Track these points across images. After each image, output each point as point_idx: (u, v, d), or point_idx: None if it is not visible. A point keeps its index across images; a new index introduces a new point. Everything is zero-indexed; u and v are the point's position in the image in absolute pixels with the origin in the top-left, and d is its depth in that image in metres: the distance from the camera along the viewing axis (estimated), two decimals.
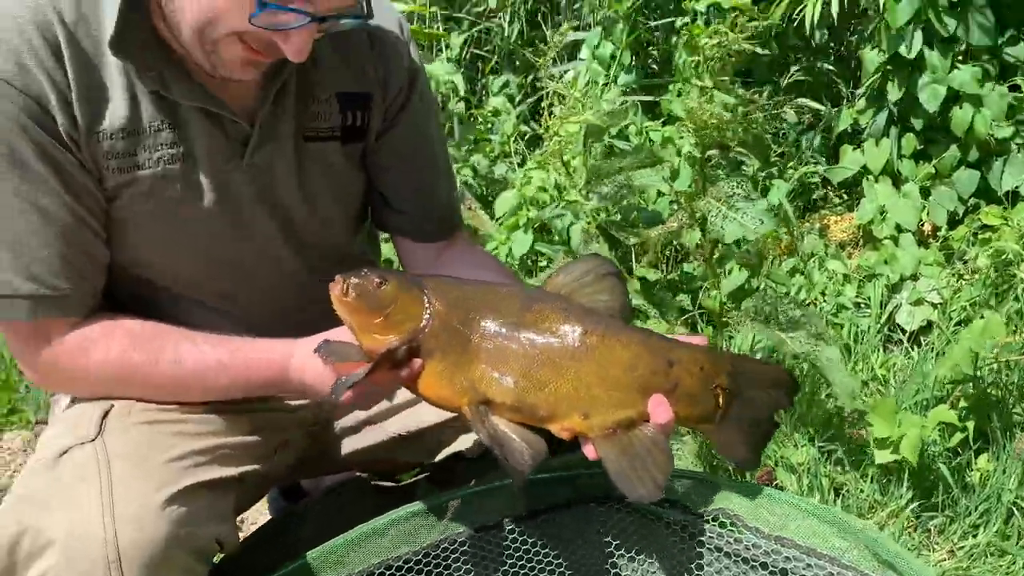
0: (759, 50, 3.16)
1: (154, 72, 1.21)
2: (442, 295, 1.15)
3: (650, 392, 1.13)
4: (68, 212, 1.21)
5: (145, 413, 1.26)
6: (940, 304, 2.69)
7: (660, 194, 2.88)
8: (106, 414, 1.25)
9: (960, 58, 2.97)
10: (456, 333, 1.13)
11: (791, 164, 3.10)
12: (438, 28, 4.14)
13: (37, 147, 1.17)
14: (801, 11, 3.07)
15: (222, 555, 1.25)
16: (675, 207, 2.23)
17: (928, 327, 2.70)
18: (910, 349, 2.64)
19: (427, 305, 1.14)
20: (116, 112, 1.21)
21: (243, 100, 1.28)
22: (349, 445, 1.54)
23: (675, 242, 2.47)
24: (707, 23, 2.94)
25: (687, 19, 2.84)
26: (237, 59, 1.17)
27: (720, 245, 1.97)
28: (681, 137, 2.49)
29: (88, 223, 1.24)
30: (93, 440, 1.20)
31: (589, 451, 1.13)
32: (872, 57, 3.03)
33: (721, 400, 1.17)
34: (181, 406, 1.29)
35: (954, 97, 2.91)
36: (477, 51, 4.29)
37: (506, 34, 4.28)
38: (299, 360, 1.25)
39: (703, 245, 1.93)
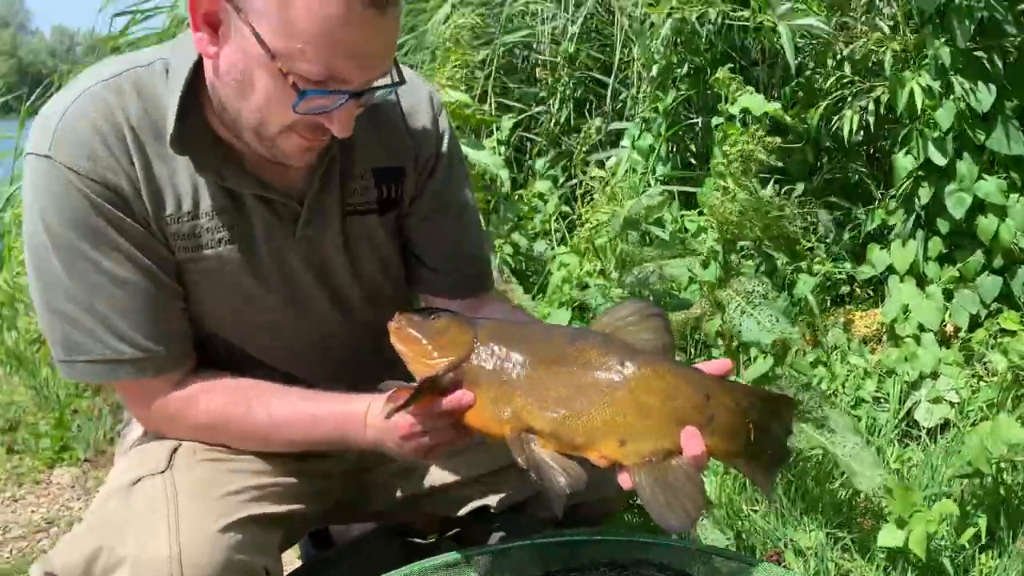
0: (780, 160, 3.32)
1: (211, 165, 1.34)
2: (489, 328, 1.24)
3: (686, 424, 1.16)
4: (151, 281, 1.34)
5: (207, 452, 1.40)
6: (958, 403, 2.76)
7: (692, 280, 3.01)
8: (175, 451, 1.39)
9: (988, 167, 3.09)
10: (501, 364, 1.20)
11: (818, 260, 3.22)
12: (491, 111, 4.36)
13: (114, 226, 1.30)
14: (839, 118, 3.22)
15: None
16: (700, 296, 2.36)
17: (946, 425, 2.77)
18: (928, 445, 2.71)
19: (474, 336, 1.22)
20: (180, 199, 1.34)
21: (291, 182, 1.41)
22: (383, 495, 1.65)
23: (700, 329, 2.59)
24: (743, 123, 3.11)
25: (722, 119, 3.00)
26: (296, 148, 1.29)
27: (741, 341, 2.08)
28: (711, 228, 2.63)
29: (171, 289, 1.38)
30: (163, 473, 1.35)
31: (624, 480, 1.17)
32: (904, 162, 3.15)
33: (752, 435, 1.19)
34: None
35: (980, 205, 3.03)
36: (526, 134, 4.49)
37: (553, 120, 4.48)
38: (370, 416, 1.36)
39: (723, 334, 2.05)
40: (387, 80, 1.29)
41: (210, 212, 1.36)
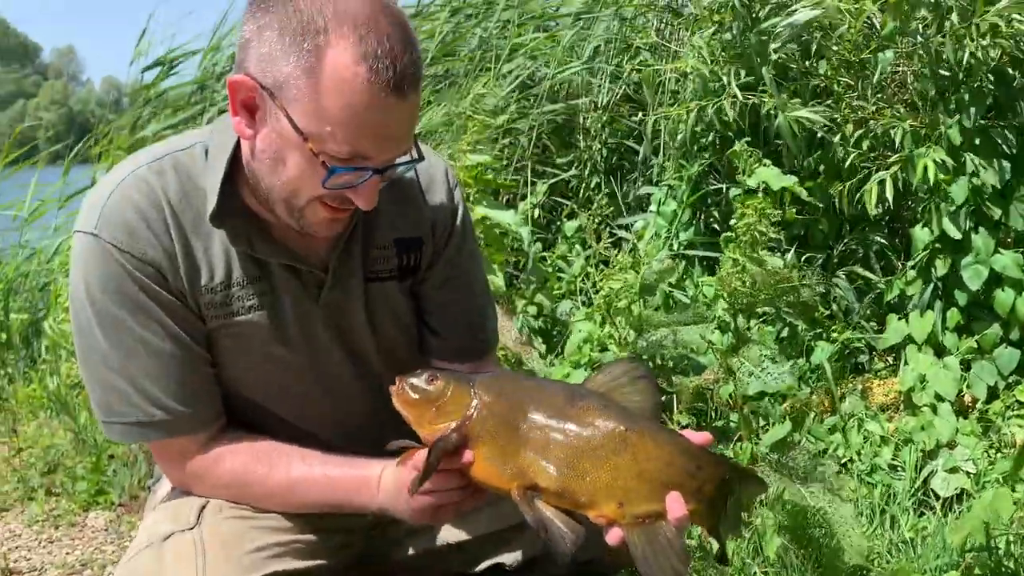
0: (800, 230, 3.39)
1: (244, 236, 1.46)
2: (488, 387, 1.30)
3: (678, 490, 1.24)
4: (183, 349, 1.45)
5: (233, 510, 1.50)
6: (974, 474, 2.79)
7: (709, 344, 3.08)
8: (203, 508, 1.49)
9: (1007, 241, 3.15)
10: (504, 421, 1.27)
11: (835, 328, 3.27)
12: (528, 175, 4.52)
13: (152, 298, 1.42)
14: (860, 192, 3.30)
15: None
16: (715, 361, 2.43)
17: (963, 495, 2.79)
18: (943, 516, 2.73)
19: (474, 395, 1.28)
20: (214, 270, 1.46)
21: (317, 251, 1.52)
22: (401, 551, 1.71)
23: (714, 394, 2.66)
24: (766, 193, 3.20)
25: (739, 190, 3.08)
26: (322, 219, 1.40)
27: (749, 400, 2.15)
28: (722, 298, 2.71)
29: (201, 356, 1.48)
30: (192, 529, 1.45)
31: (611, 537, 1.26)
32: (921, 235, 3.22)
33: (728, 504, 1.29)
34: None
35: (997, 277, 3.07)
36: (557, 200, 4.62)
37: (584, 184, 4.61)
38: (383, 480, 1.45)
39: (734, 398, 2.12)
40: (407, 157, 1.40)
41: (241, 281, 1.47)
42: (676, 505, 1.23)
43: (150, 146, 1.56)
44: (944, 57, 2.85)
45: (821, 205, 3.26)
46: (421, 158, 1.42)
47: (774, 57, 3.54)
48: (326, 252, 1.53)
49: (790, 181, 2.39)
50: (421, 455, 1.31)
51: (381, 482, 1.45)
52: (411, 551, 1.72)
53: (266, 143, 1.35)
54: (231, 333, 1.49)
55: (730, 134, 3.57)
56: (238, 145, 1.43)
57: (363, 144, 1.30)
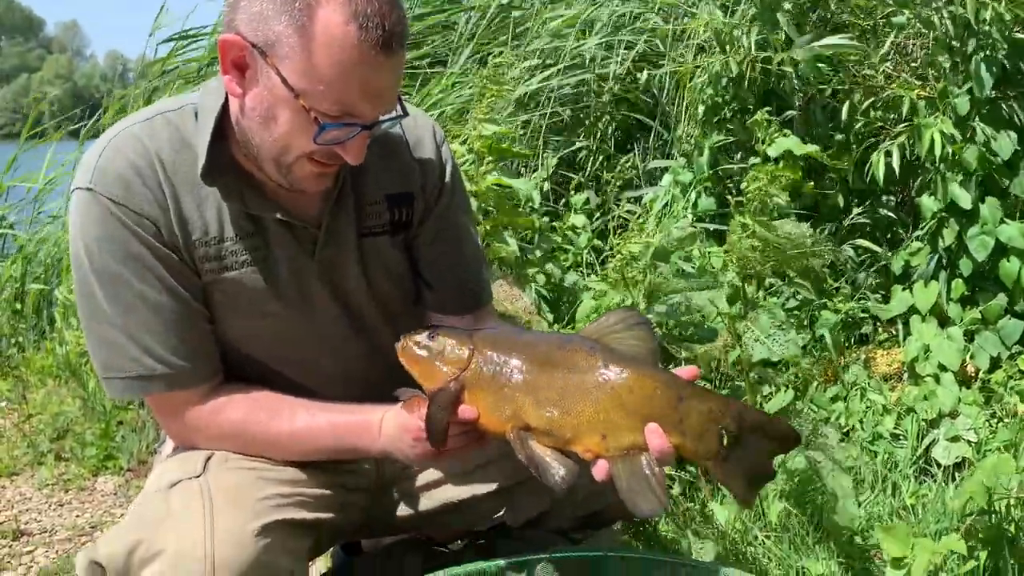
0: (815, 200, 3.39)
1: (236, 193, 1.48)
2: (484, 339, 1.37)
3: (660, 421, 1.28)
4: (181, 303, 1.47)
5: (239, 460, 1.52)
6: (975, 443, 2.81)
7: (720, 312, 3.09)
8: (209, 458, 1.51)
9: (1013, 212, 3.14)
10: (499, 370, 1.34)
11: (840, 298, 3.28)
12: (542, 144, 4.53)
13: (148, 250, 1.44)
14: (869, 163, 3.30)
15: None
16: (724, 327, 2.44)
17: (964, 464, 2.81)
18: (944, 484, 2.76)
19: (472, 348, 1.36)
20: (207, 225, 1.48)
21: (309, 209, 1.54)
22: (405, 509, 1.73)
23: (722, 359, 2.67)
24: (787, 161, 3.19)
25: (759, 159, 3.07)
26: (309, 174, 1.43)
27: (754, 367, 2.16)
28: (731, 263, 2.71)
29: (198, 311, 1.50)
30: (199, 477, 1.46)
31: (598, 471, 1.30)
32: (929, 204, 3.22)
33: (725, 441, 1.30)
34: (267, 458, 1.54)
35: (1003, 248, 3.08)
36: (565, 173, 4.62)
37: (594, 157, 4.62)
38: (384, 424, 1.48)
39: (740, 363, 2.13)
40: (394, 113, 1.43)
41: (234, 236, 1.49)
42: (655, 436, 1.27)
43: (142, 108, 1.59)
44: (962, 16, 2.81)
45: (837, 174, 3.25)
46: (406, 113, 1.46)
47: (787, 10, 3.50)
48: (319, 208, 1.55)
49: (812, 148, 2.38)
50: (424, 407, 1.36)
51: (383, 426, 1.48)
52: (415, 510, 1.74)
53: (256, 101, 1.37)
54: (225, 288, 1.51)
55: (749, 107, 3.56)
56: (226, 105, 1.46)
57: (353, 100, 1.34)
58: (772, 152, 3.18)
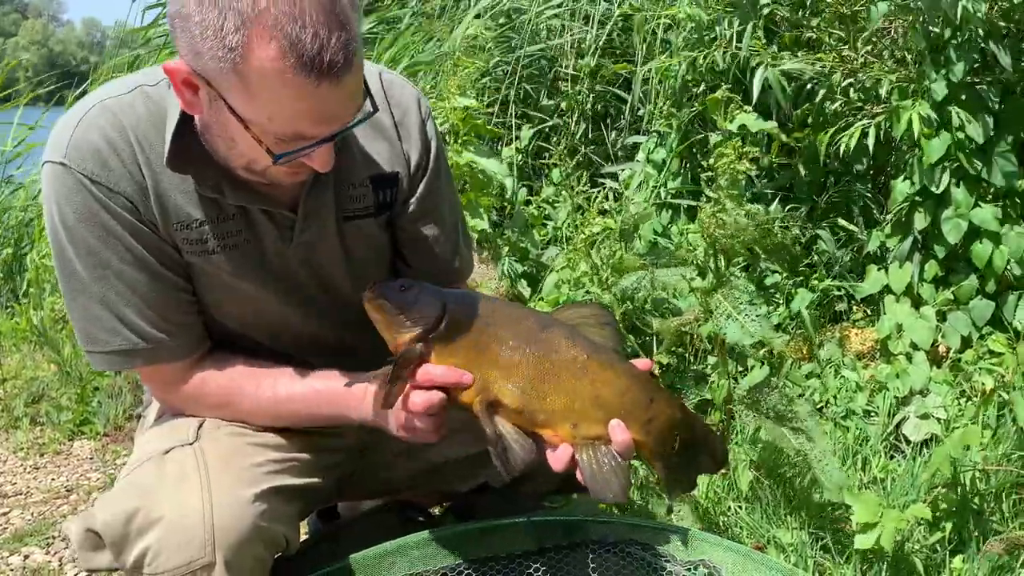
0: (787, 181, 3.42)
1: (211, 182, 1.42)
2: (459, 300, 1.34)
3: (629, 418, 1.31)
4: (159, 278, 1.45)
5: (230, 427, 1.53)
6: (944, 420, 2.86)
7: (691, 290, 3.12)
8: (200, 425, 1.52)
9: (986, 195, 3.19)
10: (472, 337, 1.31)
11: (816, 276, 3.32)
12: (512, 119, 4.52)
13: (125, 227, 1.40)
14: (840, 139, 3.34)
15: (282, 554, 1.48)
16: (696, 302, 2.46)
17: (932, 441, 2.87)
18: (913, 460, 2.81)
19: (444, 307, 1.32)
20: (187, 209, 1.44)
21: (288, 193, 1.49)
22: (386, 472, 1.76)
23: (694, 335, 2.70)
24: (755, 142, 3.23)
25: (724, 136, 3.10)
26: (284, 173, 1.38)
27: (726, 342, 2.19)
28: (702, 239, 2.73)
29: (179, 285, 1.48)
30: (192, 444, 1.47)
31: (557, 460, 1.31)
32: (902, 188, 3.26)
33: (676, 445, 1.36)
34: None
35: (975, 231, 3.13)
36: (543, 144, 4.63)
37: (571, 131, 4.63)
38: (368, 394, 1.46)
39: (714, 340, 2.16)
40: (360, 115, 1.34)
41: (215, 219, 1.46)
42: (619, 430, 1.30)
43: (120, 78, 1.53)
44: (942, 4, 2.85)
45: (802, 151, 3.28)
46: (376, 110, 1.37)
47: (766, 12, 3.55)
48: (297, 193, 1.50)
49: (768, 125, 2.41)
50: (387, 368, 1.33)
51: (367, 395, 1.47)
52: (399, 471, 1.76)
53: (212, 120, 1.32)
54: (207, 271, 1.49)
55: (721, 83, 3.58)
56: None
57: (304, 128, 1.26)
58: (732, 127, 3.20)
